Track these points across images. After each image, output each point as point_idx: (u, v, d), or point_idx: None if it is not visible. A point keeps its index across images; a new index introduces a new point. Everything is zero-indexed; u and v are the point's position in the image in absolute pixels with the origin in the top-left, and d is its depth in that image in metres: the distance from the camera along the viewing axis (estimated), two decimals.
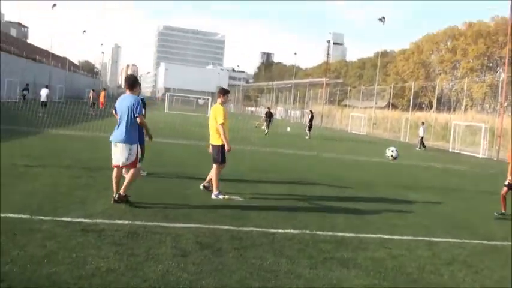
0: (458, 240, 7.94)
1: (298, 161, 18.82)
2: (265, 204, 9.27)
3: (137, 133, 8.27)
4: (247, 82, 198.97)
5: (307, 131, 35.90)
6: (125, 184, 8.09)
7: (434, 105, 69.94)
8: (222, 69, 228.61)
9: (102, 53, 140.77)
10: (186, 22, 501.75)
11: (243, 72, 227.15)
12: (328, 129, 59.65)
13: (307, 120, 38.25)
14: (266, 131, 34.18)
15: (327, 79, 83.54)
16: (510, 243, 8.16)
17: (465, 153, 37.10)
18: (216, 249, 6.08)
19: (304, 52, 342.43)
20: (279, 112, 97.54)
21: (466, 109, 68.51)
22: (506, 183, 10.41)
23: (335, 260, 6.07)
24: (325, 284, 5.21)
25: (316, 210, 9.33)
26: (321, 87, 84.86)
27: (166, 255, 5.66)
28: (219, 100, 9.91)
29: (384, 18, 60.67)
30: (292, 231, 7.31)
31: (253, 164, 15.67)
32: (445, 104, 72.50)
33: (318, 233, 7.35)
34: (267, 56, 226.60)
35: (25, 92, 47.59)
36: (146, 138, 9.58)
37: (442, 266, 6.39)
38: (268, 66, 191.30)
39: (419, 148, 36.00)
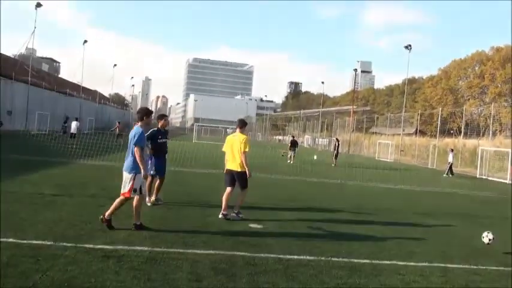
0: (474, 267, 7.95)
1: (321, 188, 18.90)
2: (283, 231, 9.42)
3: (136, 163, 8.35)
4: (275, 111, 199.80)
5: (333, 159, 35.91)
6: (134, 213, 8.47)
7: (462, 131, 69.26)
8: (250, 99, 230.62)
9: (133, 85, 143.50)
10: (215, 54, 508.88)
11: (271, 101, 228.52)
12: (356, 157, 59.36)
13: (334, 149, 38.31)
14: (289, 159, 34.31)
15: (354, 107, 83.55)
16: None
17: (493, 179, 36.58)
18: (230, 275, 6.25)
19: (332, 81, 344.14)
20: (306, 140, 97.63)
21: (494, 134, 67.66)
22: None
23: (347, 286, 6.19)
24: None
25: (333, 237, 9.42)
26: (348, 115, 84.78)
27: (181, 280, 5.86)
28: (239, 130, 10.52)
29: (410, 46, 60.62)
30: (307, 257, 7.45)
31: (275, 192, 15.83)
32: (473, 129, 71.65)
33: (333, 259, 7.47)
34: (295, 85, 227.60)
35: (66, 125, 49.29)
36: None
37: None
38: (296, 96, 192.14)
39: (447, 174, 35.62)
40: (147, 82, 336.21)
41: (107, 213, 8.34)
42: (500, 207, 18.44)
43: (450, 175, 35.59)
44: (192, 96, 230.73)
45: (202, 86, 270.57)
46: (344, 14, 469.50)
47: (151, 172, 11.03)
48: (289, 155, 34.99)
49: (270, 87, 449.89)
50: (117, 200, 8.42)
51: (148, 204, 11.00)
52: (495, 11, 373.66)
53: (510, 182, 34.92)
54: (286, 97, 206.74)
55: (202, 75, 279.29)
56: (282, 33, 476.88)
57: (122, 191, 8.39)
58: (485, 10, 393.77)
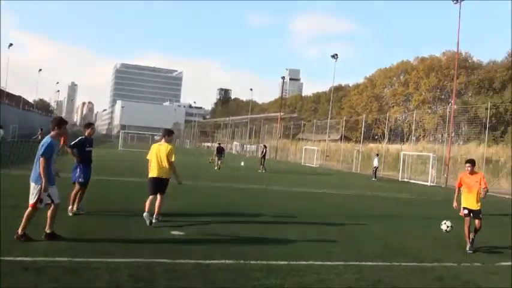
0: (388, 263, 8.40)
1: (246, 194, 19.11)
2: (204, 237, 9.53)
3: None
4: (204, 118, 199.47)
5: (260, 165, 36.35)
6: (48, 221, 8.31)
7: (386, 137, 71.82)
8: (179, 106, 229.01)
9: (58, 91, 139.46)
10: (143, 60, 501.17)
11: (200, 108, 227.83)
12: (282, 163, 60.30)
13: (261, 154, 38.78)
14: (216, 166, 34.40)
15: (282, 114, 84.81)
16: (439, 264, 8.68)
17: (415, 182, 38.22)
18: (149, 282, 6.29)
19: (261, 88, 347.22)
20: (234, 147, 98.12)
21: (418, 139, 70.69)
22: (466, 212, 10.70)
23: (264, 287, 6.38)
24: None
25: (253, 240, 9.61)
26: (276, 122, 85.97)
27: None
28: (165, 139, 10.84)
29: (336, 55, 62.44)
30: (226, 261, 7.59)
31: (200, 199, 15.90)
32: (397, 135, 74.47)
33: (252, 262, 7.65)
34: (225, 92, 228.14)
35: None
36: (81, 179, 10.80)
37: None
38: (225, 102, 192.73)
39: (375, 178, 36.90)
40: (73, 87, 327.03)
41: (19, 229, 8.13)
42: (417, 208, 19.39)
43: (374, 179, 36.88)
44: (119, 103, 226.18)
45: (130, 92, 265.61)
46: (274, 23, 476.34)
47: (80, 180, 10.99)
48: (216, 162, 35.09)
49: (199, 93, 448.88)
50: (26, 212, 8.19)
51: (70, 214, 10.81)
52: (420, 23, 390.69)
53: (430, 184, 36.63)
54: (216, 104, 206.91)
55: (130, 81, 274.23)
56: (212, 40, 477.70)
57: (29, 202, 8.21)
58: (410, 21, 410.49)
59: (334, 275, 7.30)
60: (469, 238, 10.44)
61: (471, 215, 10.59)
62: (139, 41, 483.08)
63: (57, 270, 6.46)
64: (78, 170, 11.01)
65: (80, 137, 11.27)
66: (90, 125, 11.83)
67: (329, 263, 8.07)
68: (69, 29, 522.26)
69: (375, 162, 38.61)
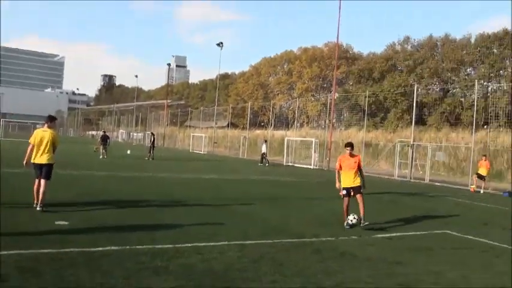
0: (270, 241, 8.89)
1: (131, 182, 18.97)
2: (89, 226, 9.42)
3: None
4: (87, 105, 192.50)
5: (148, 153, 35.99)
6: None
7: (272, 123, 73.72)
8: (61, 92, 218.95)
9: None
10: (24, 43, 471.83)
11: (84, 95, 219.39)
12: (170, 150, 60.07)
13: (149, 142, 38.42)
14: (101, 155, 33.60)
15: (169, 101, 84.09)
16: (318, 239, 9.30)
17: (299, 166, 39.82)
18: (35, 272, 6.20)
19: (147, 75, 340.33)
20: (121, 135, 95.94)
21: (302, 126, 73.30)
22: (344, 192, 11.45)
23: (149, 270, 6.53)
24: None
25: (139, 226, 9.68)
26: (163, 109, 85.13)
27: None
28: (48, 125, 11.09)
29: (221, 43, 62.79)
30: (112, 248, 7.64)
31: (84, 188, 15.57)
32: (282, 121, 76.73)
33: (137, 247, 7.77)
34: (109, 78, 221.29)
35: None
36: None
37: (249, 264, 7.20)
38: (109, 89, 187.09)
39: (262, 164, 37.83)
40: None
41: None
42: (299, 190, 20.34)
43: (262, 164, 37.89)
44: None
45: (9, 78, 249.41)
46: (159, 9, 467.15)
47: None
48: (100, 151, 34.24)
49: (83, 80, 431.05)
50: None
51: None
52: (303, 15, 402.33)
53: (313, 167, 38.36)
54: (100, 90, 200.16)
55: (10, 66, 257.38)
56: (95, 25, 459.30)
57: None
58: (294, 13, 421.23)
59: (218, 254, 7.63)
60: (347, 215, 11.13)
61: (351, 193, 11.37)
62: (18, 23, 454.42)
63: None
64: None
65: None
66: None
67: (213, 243, 8.38)
68: None
69: (263, 148, 39.66)
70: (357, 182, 11.43)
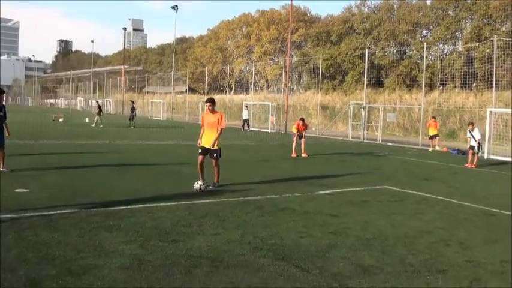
0: (217, 200, 9.65)
1: (88, 149, 19.34)
2: (48, 192, 9.95)
3: None
4: (45, 72, 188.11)
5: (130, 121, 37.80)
6: None
7: (233, 88, 73.93)
8: (18, 59, 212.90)
9: None
10: None
11: (40, 62, 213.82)
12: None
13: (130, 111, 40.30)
14: (96, 124, 35.16)
15: (126, 66, 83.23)
16: (263, 197, 10.06)
17: (258, 129, 40.60)
18: None
19: (104, 40, 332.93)
20: (79, 102, 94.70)
21: (262, 89, 73.78)
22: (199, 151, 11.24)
23: (102, 228, 7.18)
24: (90, 247, 6.28)
25: (95, 192, 10.27)
26: (121, 75, 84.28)
27: None
28: None
29: (176, 6, 62.21)
30: (68, 211, 8.25)
31: (42, 157, 15.96)
32: (242, 86, 77.07)
33: (92, 209, 8.40)
34: (65, 43, 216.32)
35: None
36: None
37: (195, 220, 7.93)
38: (66, 55, 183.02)
39: (244, 130, 38.84)
40: None
41: None
42: (253, 153, 21.09)
43: (244, 130, 38.84)
44: None
45: None
46: None
47: None
48: (60, 120, 34.41)
49: (38, 46, 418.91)
50: None
51: None
52: None
53: (271, 131, 39.21)
54: (56, 57, 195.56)
55: None
56: None
57: None
58: None
59: (167, 213, 8.33)
60: (202, 174, 11.00)
61: (208, 154, 11.08)
62: None
63: None
64: None
65: None
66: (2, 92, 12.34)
67: (163, 203, 9.08)
68: None
69: (245, 114, 40.60)
70: (214, 145, 10.97)
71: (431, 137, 27.15)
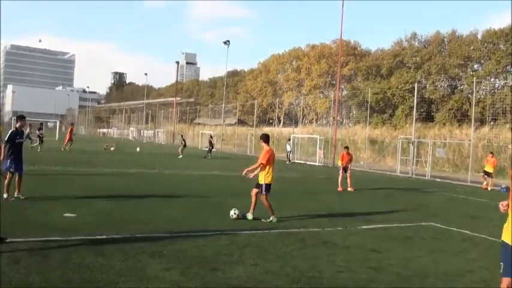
0: (259, 231, 9.75)
1: (138, 178, 19.83)
2: (95, 217, 10.30)
3: None
4: (98, 103, 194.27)
5: (208, 153, 40.14)
6: None
7: (282, 120, 74.27)
8: (72, 90, 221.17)
9: None
10: (34, 41, 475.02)
11: (95, 93, 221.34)
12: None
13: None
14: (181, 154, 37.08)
15: (178, 98, 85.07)
16: (305, 229, 10.07)
17: (305, 162, 40.53)
18: (44, 256, 7.05)
19: (158, 72, 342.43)
20: (131, 133, 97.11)
21: (311, 122, 73.84)
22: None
23: (145, 254, 7.39)
24: (132, 271, 6.48)
25: (141, 217, 10.55)
26: (173, 107, 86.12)
27: (2, 262, 6.54)
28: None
29: (228, 41, 63.31)
30: (114, 236, 8.53)
31: (91, 183, 16.46)
32: (291, 118, 77.30)
33: (137, 235, 8.67)
34: (119, 76, 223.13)
35: None
36: None
37: (236, 250, 8.09)
38: (120, 87, 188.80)
39: (289, 162, 39.52)
40: None
41: None
42: (297, 185, 21.12)
43: (289, 162, 39.46)
44: (10, 87, 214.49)
45: (21, 76, 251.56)
46: (170, 6, 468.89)
47: (12, 170, 12.04)
48: (111, 148, 35.41)
49: (93, 77, 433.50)
50: None
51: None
52: (311, 11, 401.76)
53: (318, 164, 39.07)
54: (110, 88, 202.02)
55: (21, 64, 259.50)
56: (105, 22, 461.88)
57: None
58: (302, 9, 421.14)
59: (209, 242, 8.48)
60: (252, 204, 11.20)
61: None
62: (29, 20, 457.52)
63: None
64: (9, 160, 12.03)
65: (11, 130, 12.42)
66: (22, 117, 12.90)
67: (207, 233, 9.23)
68: None
69: (288, 147, 41.34)
70: (261, 180, 11.25)
71: (486, 173, 26.06)
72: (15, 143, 12.17)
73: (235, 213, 11.05)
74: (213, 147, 42.10)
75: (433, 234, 11.04)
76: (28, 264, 6.61)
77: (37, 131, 33.99)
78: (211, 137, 44.14)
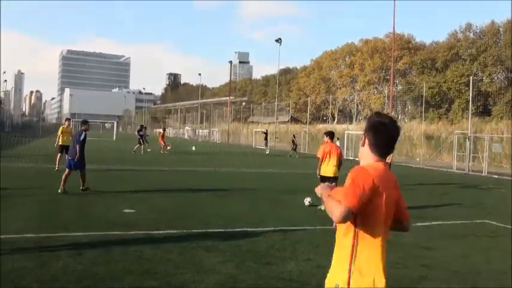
0: (312, 227, 9.88)
1: (192, 175, 20.31)
2: (153, 213, 10.73)
3: None
4: (154, 104, 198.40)
5: (292, 151, 41.27)
6: None
7: (336, 117, 73.80)
8: (128, 92, 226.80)
9: (5, 81, 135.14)
10: (90, 46, 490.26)
11: (150, 94, 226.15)
12: (235, 146, 61.64)
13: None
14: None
15: (232, 98, 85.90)
16: None
17: (357, 159, 40.21)
18: (105, 249, 7.47)
19: (211, 72, 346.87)
20: (186, 132, 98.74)
21: (365, 119, 72.90)
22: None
23: (201, 248, 7.69)
24: (190, 264, 6.78)
25: (197, 213, 10.90)
26: (227, 106, 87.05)
27: (64, 255, 6.95)
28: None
29: (280, 39, 63.43)
30: (171, 231, 8.91)
31: (151, 181, 17.03)
32: (346, 115, 76.66)
33: (193, 230, 9.01)
34: (174, 77, 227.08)
35: None
36: None
37: (289, 245, 8.25)
38: (175, 88, 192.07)
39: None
40: (19, 76, 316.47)
41: None
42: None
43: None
44: (67, 91, 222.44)
45: (77, 80, 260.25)
46: (222, 6, 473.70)
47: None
48: (168, 147, 36.34)
49: (149, 79, 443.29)
50: None
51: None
52: (363, 5, 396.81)
53: None
54: (165, 89, 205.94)
55: (78, 68, 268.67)
56: (159, 24, 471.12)
57: None
58: (353, 4, 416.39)
59: (262, 237, 8.71)
60: None
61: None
62: (84, 26, 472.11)
63: (26, 245, 7.52)
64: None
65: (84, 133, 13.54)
66: (86, 122, 14.15)
67: (260, 228, 9.46)
68: (14, 15, 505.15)
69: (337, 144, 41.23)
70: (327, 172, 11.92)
71: None
72: (84, 144, 13.43)
73: (309, 202, 12.26)
74: (296, 146, 42.66)
75: (488, 232, 10.84)
76: (91, 256, 7.02)
77: (137, 133, 35.71)
78: (294, 136, 44.36)
